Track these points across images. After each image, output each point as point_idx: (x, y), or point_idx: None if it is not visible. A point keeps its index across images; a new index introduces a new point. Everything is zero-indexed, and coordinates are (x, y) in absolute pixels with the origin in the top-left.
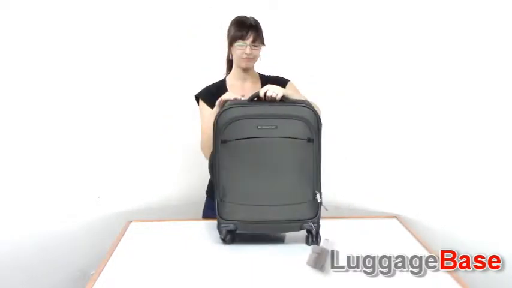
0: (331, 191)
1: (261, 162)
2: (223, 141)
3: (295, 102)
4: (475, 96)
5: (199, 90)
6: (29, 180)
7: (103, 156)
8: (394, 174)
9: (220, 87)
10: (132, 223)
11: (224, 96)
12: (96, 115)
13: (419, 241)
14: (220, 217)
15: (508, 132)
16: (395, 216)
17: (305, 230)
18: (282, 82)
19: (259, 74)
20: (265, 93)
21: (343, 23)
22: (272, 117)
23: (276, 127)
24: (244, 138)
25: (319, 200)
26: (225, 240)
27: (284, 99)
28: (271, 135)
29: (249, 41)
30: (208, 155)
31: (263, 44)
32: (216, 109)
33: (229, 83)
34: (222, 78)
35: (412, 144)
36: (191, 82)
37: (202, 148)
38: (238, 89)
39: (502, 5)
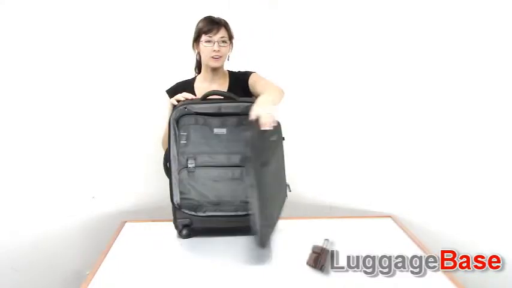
0: (326, 191)
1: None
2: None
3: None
4: (472, 96)
5: (170, 86)
6: (23, 180)
7: (98, 156)
8: (389, 174)
9: (187, 87)
10: (126, 223)
11: (177, 97)
12: (91, 116)
13: (414, 241)
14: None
15: (506, 132)
16: (390, 216)
17: None
18: (246, 76)
19: (229, 71)
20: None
21: (343, 22)
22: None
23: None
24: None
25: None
26: (181, 234)
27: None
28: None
29: (217, 36)
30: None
31: (230, 40)
32: (169, 107)
33: (196, 85)
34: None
35: (407, 145)
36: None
37: (163, 143)
38: (204, 90)
39: (502, 5)
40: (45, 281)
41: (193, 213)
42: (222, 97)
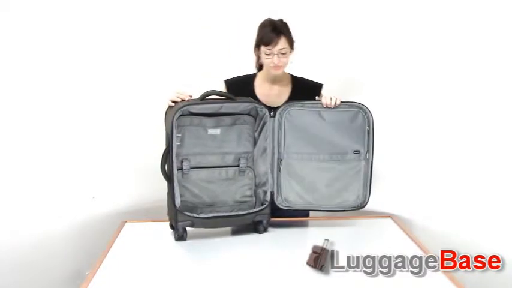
0: None
1: None
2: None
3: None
4: (472, 96)
5: (231, 77)
6: (24, 181)
7: (98, 157)
8: (389, 174)
9: (247, 84)
10: (126, 223)
11: (172, 98)
12: (91, 116)
13: (414, 241)
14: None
15: (506, 132)
16: (390, 216)
17: (257, 221)
18: (313, 87)
19: (291, 75)
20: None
21: (343, 25)
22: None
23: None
24: None
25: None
26: (182, 238)
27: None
28: None
29: (276, 49)
30: None
31: (291, 49)
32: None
33: (257, 83)
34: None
35: (406, 145)
36: (189, 83)
37: None
38: (265, 91)
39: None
40: (45, 281)
41: (195, 215)
42: (220, 97)
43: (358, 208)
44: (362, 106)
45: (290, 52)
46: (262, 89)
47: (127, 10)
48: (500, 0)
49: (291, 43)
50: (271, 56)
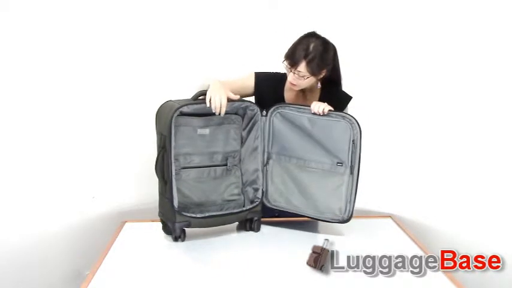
0: None
1: None
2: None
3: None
4: (472, 96)
5: (262, 71)
6: (23, 181)
7: (98, 156)
8: (389, 174)
9: (278, 83)
10: (126, 223)
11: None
12: (91, 116)
13: (414, 241)
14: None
15: (506, 132)
16: (390, 216)
17: (248, 219)
18: (343, 98)
19: (322, 84)
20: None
21: (343, 23)
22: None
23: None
24: None
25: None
26: (178, 239)
27: None
28: None
29: (294, 68)
30: None
31: (314, 75)
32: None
33: (286, 86)
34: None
35: (407, 145)
36: (188, 83)
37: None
38: (291, 96)
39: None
40: (44, 281)
41: (192, 215)
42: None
43: (342, 222)
44: (350, 118)
45: (311, 78)
46: (289, 93)
47: (125, 10)
48: (497, 1)
49: (313, 71)
50: (289, 71)
